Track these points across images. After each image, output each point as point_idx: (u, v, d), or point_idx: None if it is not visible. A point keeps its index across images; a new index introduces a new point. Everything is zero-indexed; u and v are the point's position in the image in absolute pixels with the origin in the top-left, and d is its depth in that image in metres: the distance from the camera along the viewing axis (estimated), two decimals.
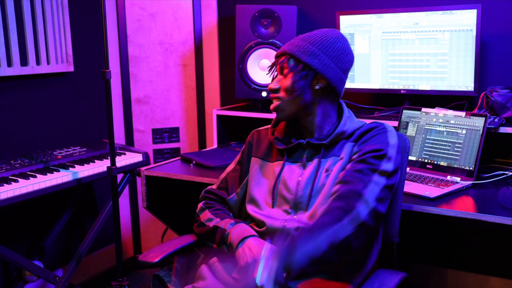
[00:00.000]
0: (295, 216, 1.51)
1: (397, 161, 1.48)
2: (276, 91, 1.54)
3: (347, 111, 1.58)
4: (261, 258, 1.31)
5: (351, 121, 1.56)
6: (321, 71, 1.50)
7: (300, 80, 1.51)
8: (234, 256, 1.49)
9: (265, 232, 1.53)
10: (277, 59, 1.56)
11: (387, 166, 1.44)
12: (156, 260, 1.59)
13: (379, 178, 1.42)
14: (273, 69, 1.59)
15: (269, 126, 1.69)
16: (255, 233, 1.52)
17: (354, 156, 1.48)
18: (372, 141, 1.49)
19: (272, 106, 1.57)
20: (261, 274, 1.28)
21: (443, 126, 2.11)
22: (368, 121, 1.60)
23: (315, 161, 1.53)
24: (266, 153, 1.64)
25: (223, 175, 1.72)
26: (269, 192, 1.58)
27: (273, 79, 1.59)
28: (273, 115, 2.39)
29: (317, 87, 1.52)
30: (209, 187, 1.74)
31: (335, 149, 1.53)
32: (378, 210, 1.40)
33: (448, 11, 2.27)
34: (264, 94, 2.64)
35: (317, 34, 1.54)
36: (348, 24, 2.52)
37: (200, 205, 1.69)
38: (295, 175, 1.55)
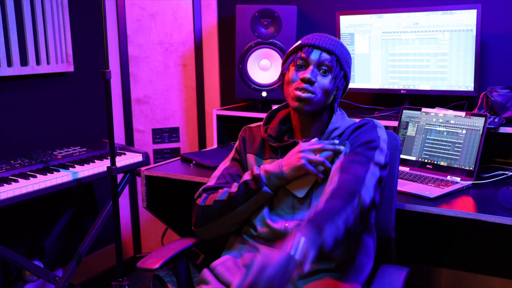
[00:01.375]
0: (294, 215, 1.51)
1: (388, 156, 1.52)
2: (311, 83, 1.48)
3: (338, 110, 1.60)
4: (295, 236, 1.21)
5: (342, 119, 1.58)
6: (348, 83, 1.57)
7: (339, 87, 1.53)
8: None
9: (268, 233, 1.53)
10: (317, 52, 1.49)
11: (380, 158, 1.47)
12: (157, 266, 1.58)
13: (374, 168, 1.44)
14: (302, 54, 1.50)
15: (259, 123, 1.68)
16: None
17: (346, 150, 1.50)
18: (363, 135, 1.51)
19: (303, 95, 1.47)
20: (299, 247, 1.17)
21: (443, 126, 2.11)
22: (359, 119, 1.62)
23: None
24: (260, 150, 1.63)
25: (217, 173, 1.67)
26: None
27: (291, 63, 1.53)
28: None
29: (339, 94, 1.55)
30: (205, 185, 1.66)
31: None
32: (375, 199, 1.42)
33: (448, 11, 2.27)
34: (264, 94, 2.64)
35: (343, 44, 1.56)
36: (348, 24, 2.52)
37: (202, 197, 1.61)
38: None
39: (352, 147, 1.49)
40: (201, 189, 1.66)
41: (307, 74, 1.48)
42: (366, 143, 1.48)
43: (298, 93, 1.49)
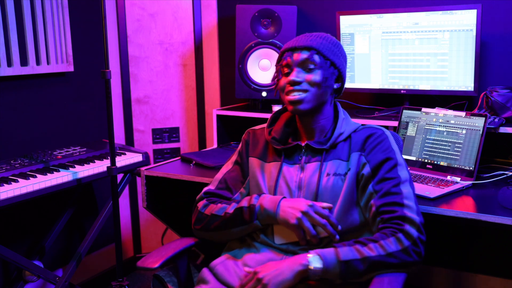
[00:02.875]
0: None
1: (405, 164, 1.52)
2: (298, 83, 1.51)
3: (342, 113, 1.60)
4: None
5: (347, 123, 1.58)
6: (342, 72, 1.56)
7: (329, 77, 1.53)
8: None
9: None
10: (296, 53, 1.52)
11: (404, 173, 1.47)
12: (157, 265, 1.59)
13: (406, 187, 1.44)
14: (284, 61, 1.54)
15: (263, 125, 1.68)
16: (284, 196, 1.52)
17: (366, 170, 1.48)
18: (378, 150, 1.50)
19: (294, 98, 1.50)
20: (313, 258, 1.35)
21: (443, 126, 2.11)
22: (360, 121, 1.62)
23: (315, 164, 1.54)
24: (263, 153, 1.63)
25: (219, 176, 1.69)
26: (269, 193, 1.57)
27: (279, 72, 1.57)
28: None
29: (335, 86, 1.56)
30: (207, 188, 1.69)
31: (334, 152, 1.54)
32: (422, 222, 1.41)
33: (448, 11, 2.27)
34: (264, 94, 2.64)
35: (327, 36, 1.57)
36: (348, 24, 2.52)
37: (203, 202, 1.65)
38: (294, 176, 1.55)
39: (372, 167, 1.48)
40: (202, 192, 1.69)
41: (291, 77, 1.51)
42: (384, 162, 1.47)
43: (289, 97, 1.52)
